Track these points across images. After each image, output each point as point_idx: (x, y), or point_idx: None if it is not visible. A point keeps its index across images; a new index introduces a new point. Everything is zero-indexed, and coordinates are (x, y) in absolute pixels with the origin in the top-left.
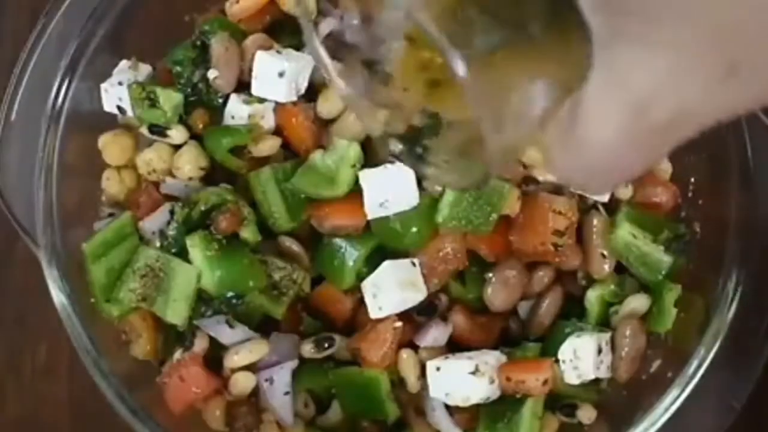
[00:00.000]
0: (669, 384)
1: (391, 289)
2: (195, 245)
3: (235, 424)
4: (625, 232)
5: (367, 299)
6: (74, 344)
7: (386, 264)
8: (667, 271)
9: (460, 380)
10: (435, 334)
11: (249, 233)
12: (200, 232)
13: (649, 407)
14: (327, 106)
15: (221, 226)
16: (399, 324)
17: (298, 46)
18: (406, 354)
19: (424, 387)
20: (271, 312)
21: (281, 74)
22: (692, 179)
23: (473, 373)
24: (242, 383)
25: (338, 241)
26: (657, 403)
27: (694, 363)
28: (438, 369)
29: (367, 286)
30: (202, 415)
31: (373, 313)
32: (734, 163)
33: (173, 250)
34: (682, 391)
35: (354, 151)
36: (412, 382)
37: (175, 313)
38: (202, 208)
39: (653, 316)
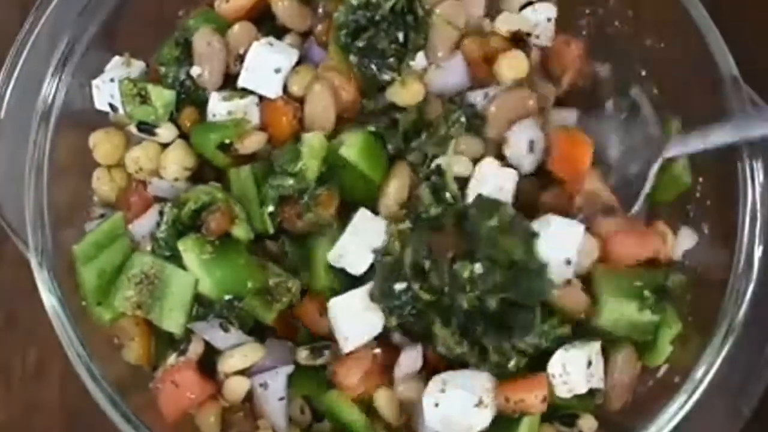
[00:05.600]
0: (676, 389)
1: (353, 319)
2: (188, 249)
3: (229, 430)
4: (611, 313)
5: (336, 333)
6: (65, 348)
7: (334, 301)
8: (658, 323)
9: (462, 413)
10: (407, 361)
11: (241, 231)
12: (192, 235)
13: (656, 413)
14: (299, 80)
15: (212, 227)
16: (377, 351)
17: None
18: (382, 392)
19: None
20: (262, 317)
21: (278, 70)
22: (700, 179)
23: (477, 405)
24: (237, 388)
25: (311, 239)
26: (664, 408)
27: (702, 367)
28: (436, 405)
29: (332, 319)
30: (195, 421)
31: (343, 345)
32: (743, 163)
33: (165, 254)
34: (690, 396)
35: (318, 141)
36: (394, 418)
37: (172, 322)
38: (192, 208)
39: (647, 349)
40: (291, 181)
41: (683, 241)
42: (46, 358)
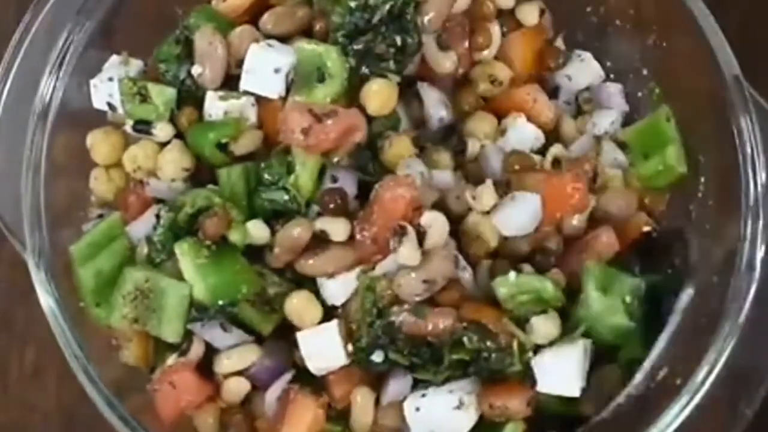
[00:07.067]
0: (677, 391)
1: (320, 351)
2: (184, 254)
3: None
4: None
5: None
6: (62, 349)
7: (302, 334)
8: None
9: (444, 417)
10: (395, 389)
11: (237, 235)
12: (189, 239)
13: (657, 415)
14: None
15: (209, 232)
16: None
17: (284, 36)
18: (360, 395)
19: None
20: (259, 328)
21: (277, 70)
22: (702, 179)
23: (458, 407)
24: (235, 389)
25: None
26: (665, 411)
27: (704, 369)
28: (418, 409)
29: (301, 349)
30: (193, 422)
31: (314, 371)
32: (745, 164)
33: (162, 257)
34: (692, 398)
35: (313, 157)
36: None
37: (170, 332)
38: (189, 212)
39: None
40: (285, 197)
41: None
42: (43, 359)
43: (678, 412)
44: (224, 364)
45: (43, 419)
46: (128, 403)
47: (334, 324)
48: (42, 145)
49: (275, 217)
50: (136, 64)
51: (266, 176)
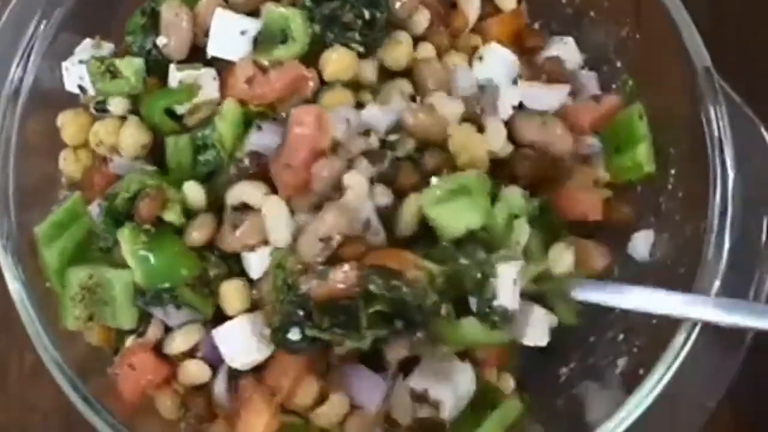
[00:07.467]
0: (640, 382)
1: (239, 346)
2: (126, 240)
3: (187, 413)
4: None
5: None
6: (27, 331)
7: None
8: None
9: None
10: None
11: (173, 215)
12: (128, 225)
13: (618, 405)
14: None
15: (143, 214)
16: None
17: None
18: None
19: None
20: (201, 310)
21: (243, 32)
22: (672, 171)
23: None
24: (191, 372)
25: None
26: (627, 400)
27: (667, 361)
28: None
29: (219, 347)
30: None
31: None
32: (714, 156)
33: (107, 245)
34: (653, 388)
35: (233, 107)
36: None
37: (126, 320)
38: (125, 197)
39: None
40: (213, 154)
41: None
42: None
43: (638, 402)
44: (171, 344)
45: (43, 419)
46: (92, 385)
47: (244, 318)
48: (13, 127)
49: (209, 179)
50: (107, 48)
51: (197, 138)
